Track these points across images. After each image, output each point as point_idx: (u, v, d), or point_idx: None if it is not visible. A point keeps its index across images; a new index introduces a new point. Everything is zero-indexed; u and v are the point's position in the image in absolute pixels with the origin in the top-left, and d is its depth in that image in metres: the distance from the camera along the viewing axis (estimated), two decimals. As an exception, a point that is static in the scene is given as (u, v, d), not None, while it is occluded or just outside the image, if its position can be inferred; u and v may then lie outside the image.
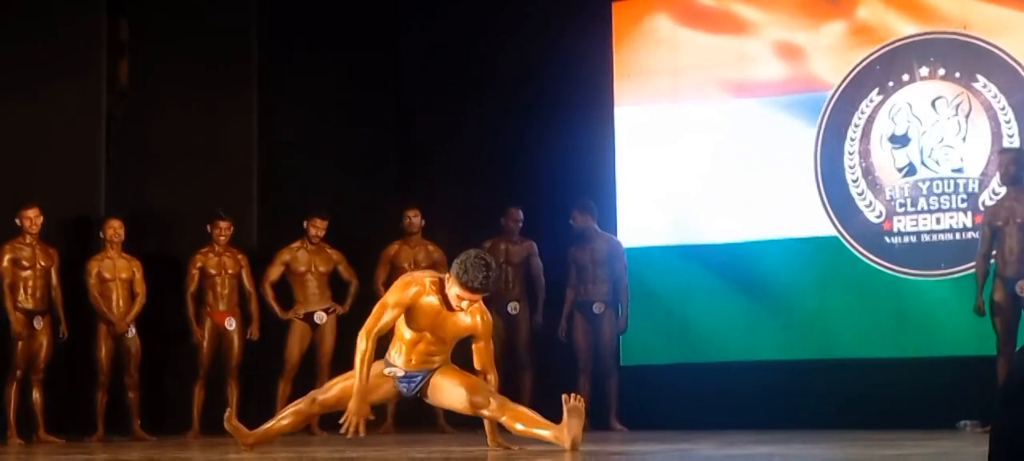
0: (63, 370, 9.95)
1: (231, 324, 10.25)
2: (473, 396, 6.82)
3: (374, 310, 6.80)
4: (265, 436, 7.20)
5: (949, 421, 9.17)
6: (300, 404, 7.20)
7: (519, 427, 6.74)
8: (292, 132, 11.39)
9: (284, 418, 7.25)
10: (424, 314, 6.76)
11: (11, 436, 9.29)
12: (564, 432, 6.58)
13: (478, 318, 6.81)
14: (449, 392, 6.89)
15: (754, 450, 6.64)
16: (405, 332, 6.84)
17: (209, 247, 10.32)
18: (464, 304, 6.65)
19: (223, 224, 10.28)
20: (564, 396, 6.69)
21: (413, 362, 6.90)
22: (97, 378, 9.90)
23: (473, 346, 6.94)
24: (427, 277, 6.85)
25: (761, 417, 9.56)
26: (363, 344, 6.68)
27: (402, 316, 6.76)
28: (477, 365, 6.93)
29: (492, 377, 6.95)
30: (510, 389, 10.38)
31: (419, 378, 6.92)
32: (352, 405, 6.71)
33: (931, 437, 7.83)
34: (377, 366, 6.93)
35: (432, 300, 6.73)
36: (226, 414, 7.26)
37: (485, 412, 6.80)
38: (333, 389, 7.10)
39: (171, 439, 9.65)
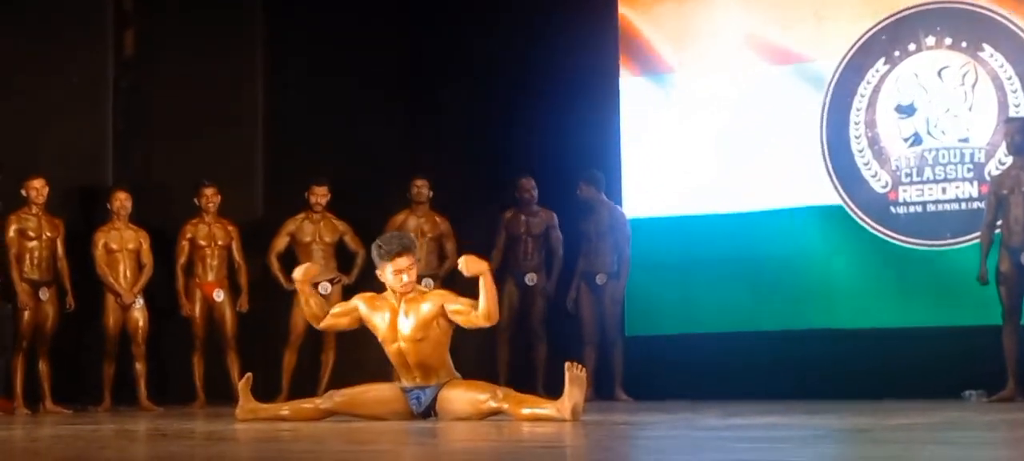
0: (70, 341, 9.98)
1: (219, 296, 10.26)
2: (478, 395, 6.99)
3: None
4: (263, 416, 7.34)
5: (954, 391, 9.18)
6: (305, 404, 7.46)
7: (525, 412, 6.86)
8: (298, 99, 11.39)
9: (284, 409, 7.50)
10: (382, 324, 7.10)
11: (18, 406, 9.32)
12: (565, 403, 6.65)
13: (429, 296, 7.16)
14: (457, 401, 7.05)
15: (759, 420, 6.65)
16: (389, 348, 7.13)
17: (199, 217, 10.32)
18: (405, 276, 6.98)
19: (208, 191, 10.28)
20: (566, 364, 6.76)
21: (417, 377, 7.12)
22: (104, 349, 9.92)
23: (453, 314, 7.04)
24: (371, 293, 7.29)
25: (766, 387, 9.57)
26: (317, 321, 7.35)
27: (379, 337, 7.13)
28: (471, 307, 7.00)
29: (485, 295, 6.96)
30: (524, 361, 10.43)
31: (427, 394, 7.09)
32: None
33: (936, 407, 7.83)
34: (392, 386, 7.22)
35: (378, 303, 7.14)
36: (247, 376, 7.47)
37: (492, 405, 6.92)
38: (338, 397, 7.30)
39: (177, 409, 9.68)
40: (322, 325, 7.40)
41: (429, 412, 7.10)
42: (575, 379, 6.69)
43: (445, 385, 7.08)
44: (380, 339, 7.17)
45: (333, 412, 7.29)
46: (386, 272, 7.02)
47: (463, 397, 7.02)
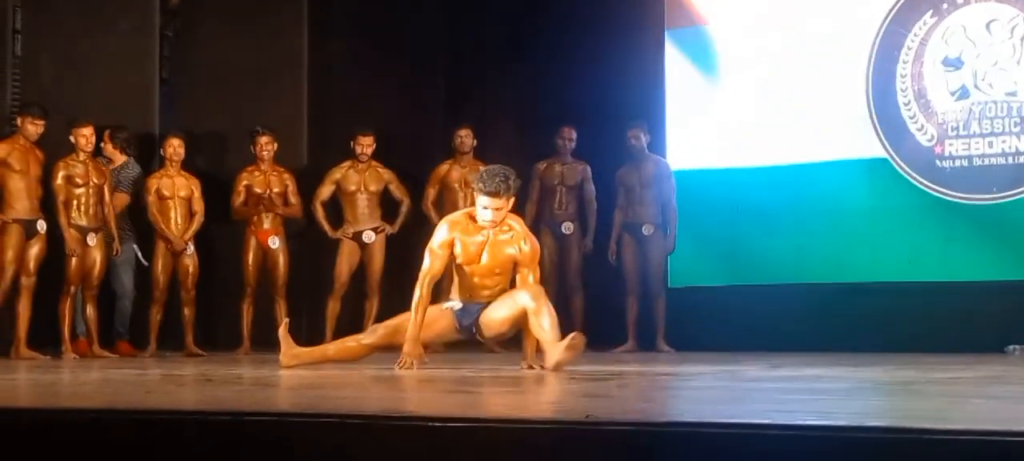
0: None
1: (275, 243, 10.30)
2: (516, 295, 7.00)
3: (425, 259, 7.14)
4: (308, 360, 7.34)
5: (997, 345, 9.15)
6: (349, 341, 7.45)
7: (544, 323, 6.88)
8: (343, 50, 11.42)
9: (330, 350, 7.49)
10: (470, 247, 7.07)
11: (66, 351, 9.43)
12: (556, 351, 6.72)
13: (521, 244, 7.08)
14: (496, 312, 7.09)
15: (802, 372, 6.66)
16: (466, 268, 7.11)
17: (255, 166, 10.37)
18: (488, 214, 6.94)
19: (263, 139, 10.31)
20: (574, 333, 6.87)
21: (471, 295, 7.17)
22: (152, 294, 10.01)
23: (517, 274, 7.12)
24: (462, 213, 7.22)
25: (809, 339, 9.57)
26: (418, 292, 7.04)
27: (461, 257, 7.07)
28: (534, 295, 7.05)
29: (537, 300, 7.05)
30: (561, 311, 10.44)
31: (475, 311, 7.13)
32: (406, 347, 7.00)
33: (979, 361, 7.82)
34: (436, 307, 7.21)
35: (474, 230, 7.07)
36: (285, 323, 7.45)
37: (525, 302, 6.94)
38: (382, 330, 7.33)
39: (222, 355, 9.76)
40: (428, 284, 7.12)
41: (474, 332, 7.15)
42: (572, 346, 6.74)
43: (489, 304, 7.14)
44: (461, 259, 7.11)
45: (378, 346, 7.27)
46: (478, 200, 7.01)
47: (502, 307, 7.08)
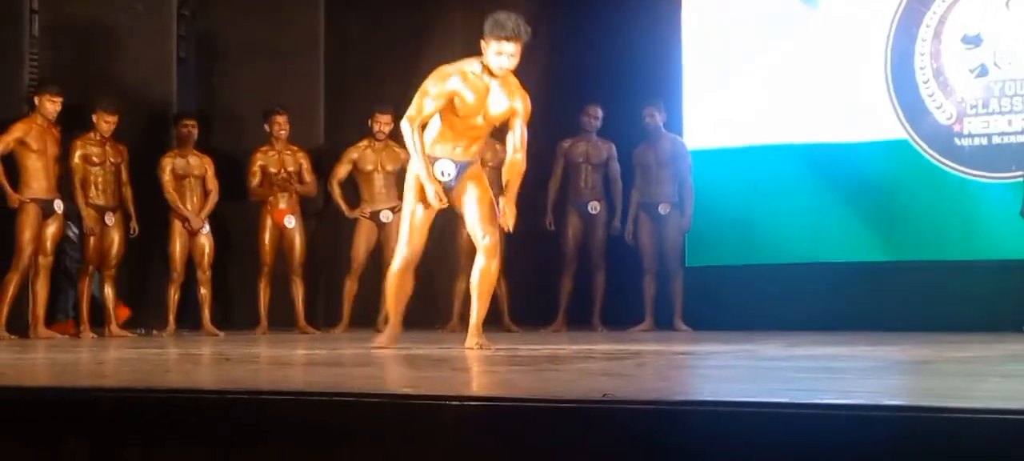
0: (135, 265, 10.10)
1: (290, 222, 10.31)
2: (482, 224, 6.91)
3: (415, 101, 6.87)
4: (396, 328, 7.26)
5: (1016, 324, 9.12)
6: (391, 282, 7.22)
7: (476, 303, 6.91)
8: (359, 28, 11.40)
9: (395, 305, 7.27)
10: (472, 101, 6.84)
11: (84, 329, 9.45)
12: (472, 338, 6.84)
13: (517, 98, 6.90)
14: (468, 211, 6.98)
15: (819, 351, 6.65)
16: (466, 122, 6.89)
17: (269, 145, 10.37)
18: (505, 61, 6.72)
19: (279, 119, 10.31)
20: (484, 341, 6.90)
21: (454, 144, 6.96)
22: (169, 274, 10.02)
23: (509, 125, 6.95)
24: (464, 64, 6.90)
25: (827, 319, 9.56)
26: (411, 130, 6.82)
27: (461, 110, 6.84)
28: (508, 139, 6.96)
29: (520, 157, 6.94)
30: (583, 289, 10.44)
31: (459, 169, 6.96)
32: (430, 189, 6.83)
33: (997, 340, 7.80)
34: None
35: (476, 82, 6.82)
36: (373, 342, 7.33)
37: (479, 258, 6.90)
38: (402, 248, 7.12)
39: (240, 334, 9.78)
40: (418, 125, 6.88)
41: (447, 192, 6.98)
42: (482, 347, 6.79)
43: (471, 167, 7.01)
44: (461, 111, 6.86)
45: (416, 254, 7.13)
46: (489, 48, 6.76)
47: (473, 207, 6.96)
